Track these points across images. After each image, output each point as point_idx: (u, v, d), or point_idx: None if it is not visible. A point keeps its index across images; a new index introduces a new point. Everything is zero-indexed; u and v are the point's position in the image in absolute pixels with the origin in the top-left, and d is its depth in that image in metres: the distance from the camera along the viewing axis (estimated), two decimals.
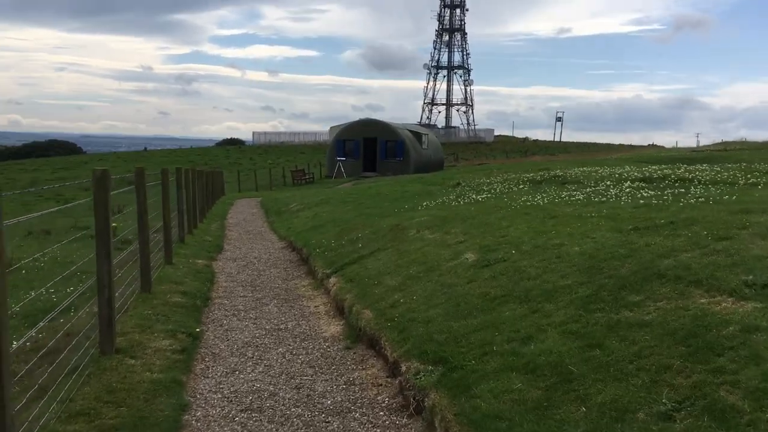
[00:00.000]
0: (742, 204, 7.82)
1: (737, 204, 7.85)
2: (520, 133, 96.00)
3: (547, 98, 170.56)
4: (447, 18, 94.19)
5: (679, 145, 74.48)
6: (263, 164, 56.54)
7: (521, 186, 14.80)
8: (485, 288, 6.53)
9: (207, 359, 6.14)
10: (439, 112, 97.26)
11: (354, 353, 6.40)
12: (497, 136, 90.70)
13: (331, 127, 67.06)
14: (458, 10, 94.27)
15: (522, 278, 6.45)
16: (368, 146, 44.92)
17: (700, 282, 5.10)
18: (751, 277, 4.90)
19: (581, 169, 16.83)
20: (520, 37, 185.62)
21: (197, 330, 6.88)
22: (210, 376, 5.68)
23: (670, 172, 12.63)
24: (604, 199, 10.24)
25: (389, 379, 5.54)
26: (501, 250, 7.76)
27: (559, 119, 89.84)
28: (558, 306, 5.50)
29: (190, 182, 14.16)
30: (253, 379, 5.62)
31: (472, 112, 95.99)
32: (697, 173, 11.77)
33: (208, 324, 7.47)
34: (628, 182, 11.98)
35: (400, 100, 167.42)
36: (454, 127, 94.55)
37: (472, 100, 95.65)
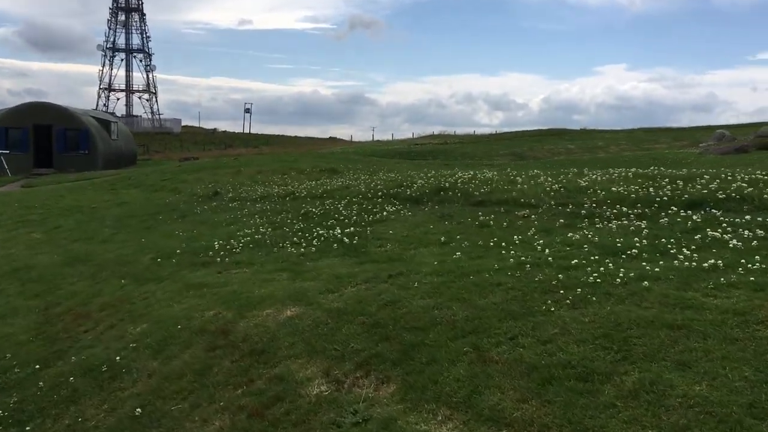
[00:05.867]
0: None
1: None
2: (206, 124, 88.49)
3: (230, 90, 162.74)
4: None
5: (376, 139, 74.82)
6: None
7: (380, 207, 9.04)
8: None
9: None
10: (118, 99, 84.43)
11: None
12: (184, 126, 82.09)
13: None
14: None
15: None
16: (41, 136, 34.37)
17: None
18: None
19: (447, 172, 11.25)
20: (199, 26, 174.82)
21: None
22: None
23: (635, 187, 7.93)
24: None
25: None
26: None
27: (248, 111, 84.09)
28: None
29: None
30: None
31: (156, 101, 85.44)
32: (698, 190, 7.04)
33: None
34: (623, 208, 7.07)
35: (68, 85, 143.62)
36: (137, 116, 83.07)
37: (155, 87, 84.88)
